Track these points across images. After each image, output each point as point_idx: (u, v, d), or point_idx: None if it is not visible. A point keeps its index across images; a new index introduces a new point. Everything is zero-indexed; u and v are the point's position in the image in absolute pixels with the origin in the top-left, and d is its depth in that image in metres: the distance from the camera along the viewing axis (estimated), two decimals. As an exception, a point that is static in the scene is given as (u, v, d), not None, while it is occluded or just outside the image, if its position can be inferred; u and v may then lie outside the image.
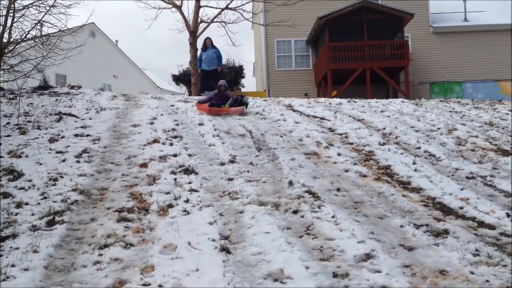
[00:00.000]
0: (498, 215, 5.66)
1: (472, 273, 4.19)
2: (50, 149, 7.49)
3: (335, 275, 4.10)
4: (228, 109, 11.17)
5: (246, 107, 11.70)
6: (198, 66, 16.82)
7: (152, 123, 9.43)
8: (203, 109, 11.06)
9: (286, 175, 6.85)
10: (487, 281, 4.05)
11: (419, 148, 8.70)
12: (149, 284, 3.85)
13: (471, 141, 9.10)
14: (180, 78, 32.13)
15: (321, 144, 8.65)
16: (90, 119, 9.53)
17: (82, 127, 8.83)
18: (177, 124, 9.50)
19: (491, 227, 5.33)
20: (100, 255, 4.39)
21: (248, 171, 6.94)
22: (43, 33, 11.46)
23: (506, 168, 7.61)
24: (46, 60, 10.81)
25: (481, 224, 5.42)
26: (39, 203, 5.50)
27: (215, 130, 9.12)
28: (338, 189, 6.42)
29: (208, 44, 16.10)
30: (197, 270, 4.10)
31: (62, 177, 6.38)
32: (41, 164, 6.79)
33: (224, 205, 5.75)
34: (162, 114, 10.29)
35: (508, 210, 5.84)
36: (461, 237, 4.92)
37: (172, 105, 11.59)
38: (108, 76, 33.72)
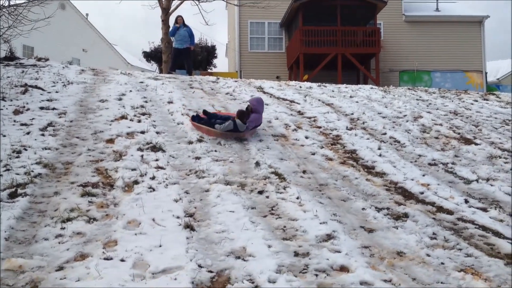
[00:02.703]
0: (457, 201, 5.85)
1: (428, 255, 4.34)
2: (14, 121, 7.35)
3: (296, 254, 4.18)
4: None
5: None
6: (170, 34, 16.60)
7: (120, 99, 9.32)
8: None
9: (253, 156, 6.90)
10: (442, 263, 4.19)
11: (385, 134, 8.86)
12: (111, 258, 3.86)
13: (436, 129, 9.30)
14: (151, 55, 31.71)
15: (290, 126, 8.72)
16: (57, 92, 9.36)
17: (48, 100, 8.67)
18: (146, 101, 9.41)
19: (450, 212, 5.50)
20: (63, 228, 4.37)
21: (215, 151, 6.96)
22: (11, 2, 11.13)
23: (468, 156, 7.83)
24: (13, 30, 10.52)
25: (440, 209, 5.59)
26: (1, 175, 5.41)
27: (184, 108, 9.07)
28: (304, 172, 6.51)
29: (180, 23, 15.90)
30: (160, 246, 4.13)
31: (26, 149, 6.27)
32: (4, 136, 6.66)
33: (190, 183, 5.76)
34: (131, 91, 10.17)
35: (466, 197, 6.04)
36: (420, 221, 5.07)
37: (142, 82, 11.45)
38: (77, 50, 33.02)
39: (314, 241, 4.49)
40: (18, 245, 4.06)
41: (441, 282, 3.83)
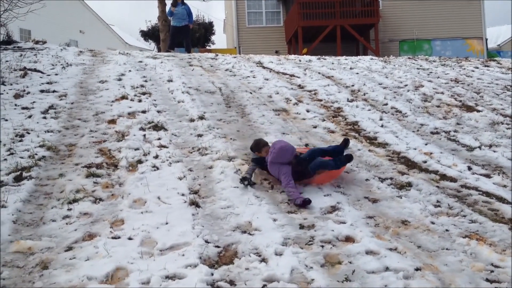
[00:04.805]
0: (460, 168, 5.86)
1: (432, 223, 4.38)
2: (15, 105, 7.34)
3: (301, 227, 4.22)
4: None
5: None
6: (168, 14, 16.36)
7: (120, 80, 9.29)
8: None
9: (256, 131, 6.90)
10: (447, 230, 4.23)
11: (386, 104, 8.83)
12: (119, 237, 3.91)
13: (437, 98, 9.27)
14: (149, 34, 31.48)
15: (291, 100, 8.69)
16: (56, 75, 9.33)
17: (48, 83, 8.64)
18: (146, 81, 9.38)
19: (453, 179, 5.52)
20: (69, 209, 4.42)
21: (217, 127, 6.96)
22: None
23: (470, 123, 7.82)
24: (9, 13, 10.43)
25: (443, 177, 5.61)
26: (5, 159, 5.44)
27: (184, 86, 9.04)
28: (306, 145, 6.51)
29: (178, 1, 15.74)
30: (167, 223, 4.18)
31: (28, 133, 6.29)
32: (6, 120, 6.67)
33: (194, 160, 5.78)
34: (130, 70, 10.13)
35: (469, 164, 6.05)
36: (424, 190, 5.09)
37: (141, 61, 11.39)
38: (74, 31, 32.74)
39: (319, 213, 4.54)
40: (26, 227, 4.10)
41: (446, 249, 3.86)
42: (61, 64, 10.25)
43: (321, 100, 8.94)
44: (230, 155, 5.82)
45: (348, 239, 3.99)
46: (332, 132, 7.18)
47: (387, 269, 3.46)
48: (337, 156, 5.30)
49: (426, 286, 3.24)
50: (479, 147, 6.68)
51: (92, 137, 6.38)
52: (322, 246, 3.85)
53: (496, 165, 6.11)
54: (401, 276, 3.34)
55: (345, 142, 5.51)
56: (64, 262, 3.53)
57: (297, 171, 5.06)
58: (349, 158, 5.32)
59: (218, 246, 3.81)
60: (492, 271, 3.51)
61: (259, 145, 5.40)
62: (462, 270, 3.52)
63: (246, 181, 4.93)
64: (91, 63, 10.91)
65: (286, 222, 4.28)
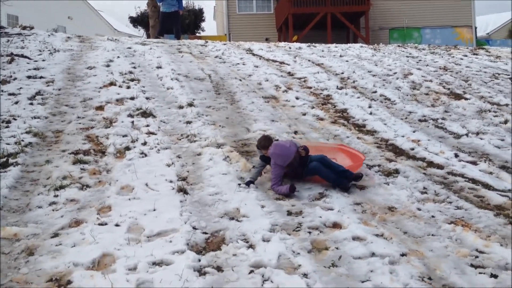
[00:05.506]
0: (447, 156, 5.90)
1: (419, 209, 4.41)
2: (2, 91, 7.26)
3: (289, 213, 4.24)
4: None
5: None
6: (158, 0, 16.12)
7: (108, 66, 9.21)
8: None
9: (245, 118, 6.89)
10: (433, 216, 4.26)
11: (375, 92, 8.85)
12: (106, 224, 3.90)
13: (426, 85, 9.30)
14: (138, 20, 31.20)
15: (280, 88, 8.68)
16: (44, 60, 9.22)
17: (35, 68, 8.55)
18: (134, 67, 9.31)
19: (440, 166, 5.56)
20: (56, 196, 4.39)
21: (206, 115, 6.93)
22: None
23: (457, 111, 7.86)
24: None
25: (431, 164, 5.64)
26: (-9, 146, 5.38)
27: (173, 73, 8.99)
28: (295, 132, 6.52)
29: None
30: (154, 210, 4.17)
31: (15, 119, 6.23)
32: (-8, 106, 6.60)
33: (182, 147, 5.77)
34: (118, 57, 10.04)
35: (456, 151, 6.09)
36: (411, 176, 5.12)
37: (129, 48, 11.29)
38: (62, 17, 32.37)
39: (307, 200, 4.55)
40: (12, 213, 4.08)
41: (432, 235, 3.90)
42: (49, 50, 10.14)
43: (310, 88, 8.93)
44: (219, 142, 5.81)
45: (336, 226, 4.01)
46: (321, 119, 7.18)
47: (373, 254, 3.48)
48: (341, 176, 4.99)
49: (411, 271, 3.26)
50: (466, 135, 6.72)
51: (80, 123, 6.33)
52: (310, 232, 3.86)
53: (482, 152, 6.16)
54: (387, 261, 3.36)
55: (357, 176, 4.87)
56: (50, 248, 3.52)
57: (294, 170, 4.99)
58: (357, 177, 4.88)
59: (205, 233, 3.81)
60: (476, 257, 3.55)
61: (259, 144, 5.10)
62: (447, 256, 3.55)
63: (250, 185, 4.76)
64: (79, 49, 10.80)
65: (274, 208, 4.29)
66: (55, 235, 3.74)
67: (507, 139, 6.59)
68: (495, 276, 3.27)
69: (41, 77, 8.11)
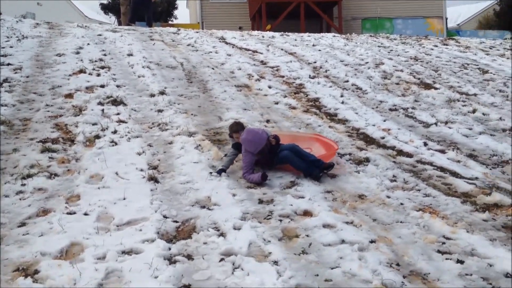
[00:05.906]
0: (416, 144, 5.99)
1: (388, 197, 4.47)
2: (-34, 78, 7.08)
3: (260, 202, 4.25)
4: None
5: None
6: None
7: (78, 53, 9.04)
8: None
9: (217, 107, 6.86)
10: (401, 204, 4.32)
11: (347, 81, 8.91)
12: (74, 213, 3.84)
13: (396, 75, 9.40)
14: (109, 7, 30.69)
15: (253, 76, 8.66)
16: (11, 47, 9.00)
17: (2, 55, 8.33)
18: (105, 54, 9.16)
19: (409, 155, 5.64)
20: (23, 185, 4.31)
21: (178, 103, 6.88)
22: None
23: (427, 100, 7.97)
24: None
25: (400, 152, 5.72)
26: (-45, 134, 5.24)
27: (145, 61, 8.88)
28: (267, 121, 6.52)
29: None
30: (124, 198, 4.13)
31: (-20, 107, 6.08)
32: (-44, 94, 6.42)
33: (153, 136, 5.72)
34: (88, 44, 9.87)
35: (425, 140, 6.19)
36: (381, 165, 5.18)
37: (100, 35, 11.10)
38: (31, 4, 31.59)
39: (278, 188, 4.57)
40: (-23, 203, 3.98)
41: (401, 222, 3.95)
42: (17, 37, 9.90)
43: (283, 77, 8.94)
44: (191, 130, 5.77)
45: (306, 213, 4.03)
46: (294, 108, 7.20)
47: (343, 241, 3.52)
48: (312, 165, 4.96)
49: (380, 257, 3.31)
50: (435, 124, 6.83)
51: (48, 111, 6.21)
52: (280, 220, 3.88)
53: (451, 141, 6.27)
54: (356, 248, 3.40)
55: (329, 165, 4.82)
56: (17, 237, 3.45)
57: (265, 157, 4.97)
58: (328, 167, 4.84)
59: (176, 221, 3.79)
60: (443, 243, 3.61)
61: (230, 130, 5.11)
62: (415, 242, 3.61)
63: (222, 173, 4.72)
64: (48, 36, 10.57)
65: (246, 197, 4.29)
66: (22, 224, 3.67)
67: (475, 128, 6.72)
68: (461, 262, 3.33)
69: (8, 64, 7.91)
